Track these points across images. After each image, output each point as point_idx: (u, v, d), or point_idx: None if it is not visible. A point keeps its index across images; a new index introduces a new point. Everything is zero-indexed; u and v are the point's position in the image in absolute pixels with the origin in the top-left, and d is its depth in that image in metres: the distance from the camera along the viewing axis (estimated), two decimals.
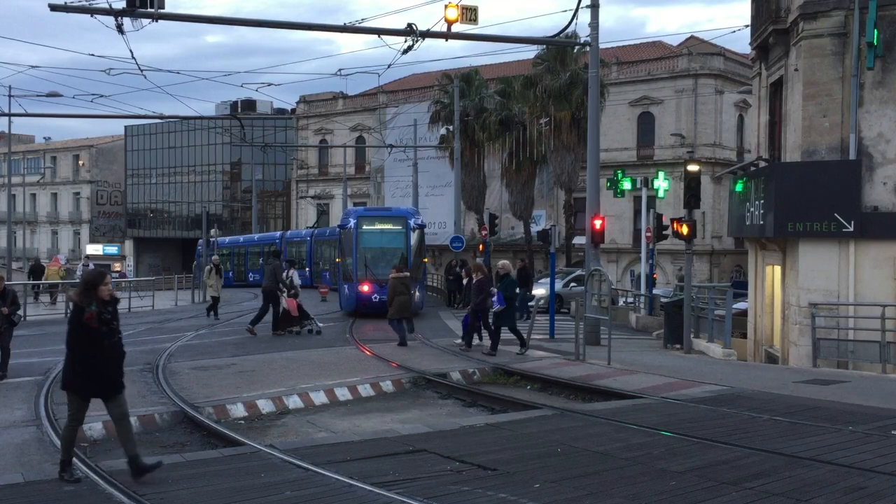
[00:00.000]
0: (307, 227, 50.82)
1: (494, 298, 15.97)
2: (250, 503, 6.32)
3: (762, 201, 16.65)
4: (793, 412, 9.80)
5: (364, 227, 25.64)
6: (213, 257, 28.07)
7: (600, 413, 9.99)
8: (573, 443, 8.28)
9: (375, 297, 23.43)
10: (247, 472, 7.24)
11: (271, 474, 7.14)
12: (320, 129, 60.84)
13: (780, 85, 17.48)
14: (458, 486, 6.67)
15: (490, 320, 16.23)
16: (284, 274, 19.53)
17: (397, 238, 25.73)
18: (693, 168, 18.47)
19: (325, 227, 46.09)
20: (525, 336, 16.20)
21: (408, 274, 18.56)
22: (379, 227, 26.18)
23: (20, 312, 13.95)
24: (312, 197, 60.94)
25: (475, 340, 16.70)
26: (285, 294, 19.10)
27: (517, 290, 17.55)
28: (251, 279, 46.99)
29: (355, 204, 52.79)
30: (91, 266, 32.80)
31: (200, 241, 59.83)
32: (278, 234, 51.83)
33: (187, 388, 11.95)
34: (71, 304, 7.40)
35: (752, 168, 18.55)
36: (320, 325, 19.91)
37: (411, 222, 26.10)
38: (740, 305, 20.32)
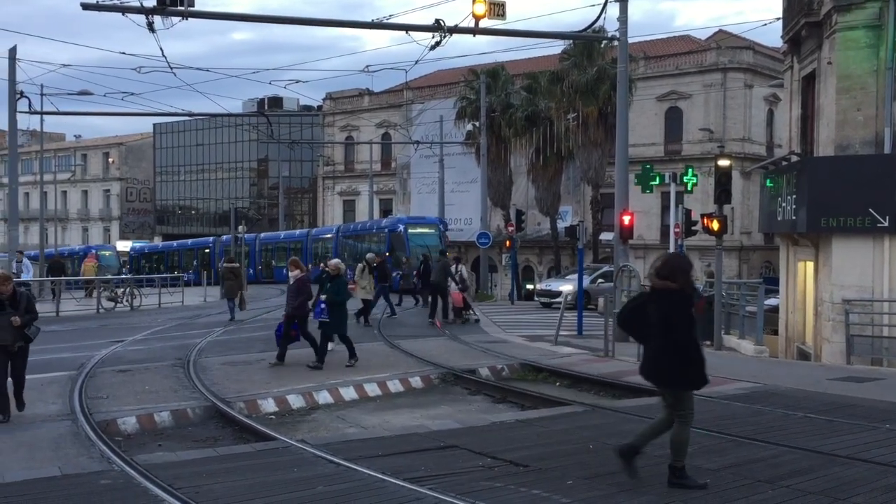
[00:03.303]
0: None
1: (317, 303, 13.80)
2: (284, 497, 6.33)
3: (794, 196, 16.43)
4: (828, 410, 9.67)
5: (410, 230, 35.61)
6: (368, 255, 22.31)
7: (631, 410, 9.91)
8: (605, 439, 8.22)
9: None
10: (279, 466, 7.28)
11: (304, 469, 7.17)
12: (346, 125, 61.05)
13: (813, 78, 17.24)
14: (490, 482, 6.66)
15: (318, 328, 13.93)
16: (454, 268, 22.05)
17: (433, 237, 35.02)
18: (724, 163, 18.31)
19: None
20: (355, 346, 14.09)
21: (237, 265, 23.55)
22: (420, 230, 35.98)
23: (37, 325, 9.83)
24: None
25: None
26: (452, 287, 21.55)
27: (373, 286, 20.46)
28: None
29: (381, 200, 57.18)
30: (24, 261, 26.77)
31: (134, 245, 59.60)
32: (299, 232, 52.47)
33: (218, 383, 12.05)
34: (669, 293, 6.43)
35: (784, 163, 18.33)
36: (477, 315, 22.64)
37: (441, 227, 36.63)
38: (771, 302, 20.09)
